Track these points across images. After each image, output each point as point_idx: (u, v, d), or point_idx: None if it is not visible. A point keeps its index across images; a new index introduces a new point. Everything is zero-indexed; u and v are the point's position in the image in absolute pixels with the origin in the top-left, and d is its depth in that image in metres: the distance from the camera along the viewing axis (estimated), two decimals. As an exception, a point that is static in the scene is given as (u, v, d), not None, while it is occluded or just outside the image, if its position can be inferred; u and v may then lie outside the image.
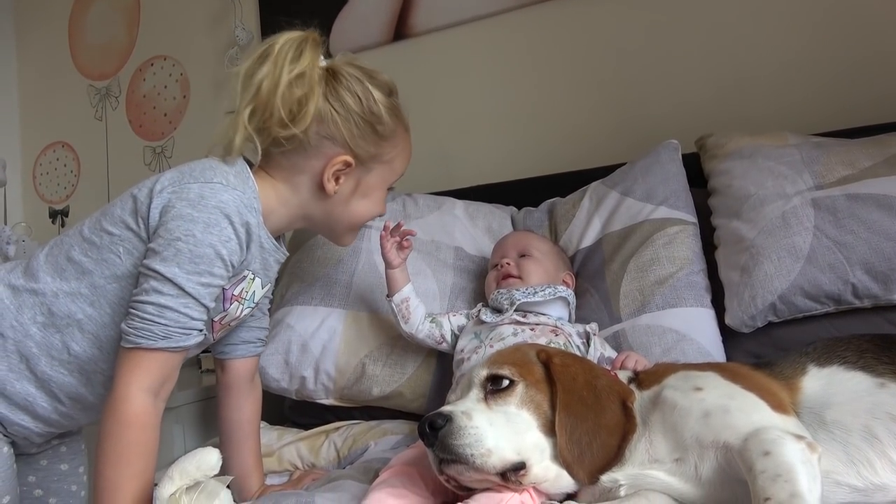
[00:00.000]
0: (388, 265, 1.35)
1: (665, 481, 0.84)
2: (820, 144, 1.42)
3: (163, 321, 0.93)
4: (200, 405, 1.83)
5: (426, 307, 1.40)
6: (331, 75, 1.07)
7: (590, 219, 1.55)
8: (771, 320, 1.31)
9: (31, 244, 2.72)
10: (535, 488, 0.88)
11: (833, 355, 0.91)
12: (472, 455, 0.83)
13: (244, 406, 1.24)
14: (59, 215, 2.90)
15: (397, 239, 1.35)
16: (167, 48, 2.69)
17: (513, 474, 0.85)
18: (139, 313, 0.93)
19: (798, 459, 0.72)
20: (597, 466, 0.86)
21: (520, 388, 0.91)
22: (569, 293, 1.38)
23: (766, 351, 1.31)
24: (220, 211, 0.97)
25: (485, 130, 2.06)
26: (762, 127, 1.58)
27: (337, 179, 1.10)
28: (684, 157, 1.57)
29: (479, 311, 1.35)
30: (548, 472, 0.87)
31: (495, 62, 2.05)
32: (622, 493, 0.85)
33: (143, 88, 2.75)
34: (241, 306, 1.11)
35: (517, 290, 1.33)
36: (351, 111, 1.07)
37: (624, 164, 1.61)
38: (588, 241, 1.53)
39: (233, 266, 1.00)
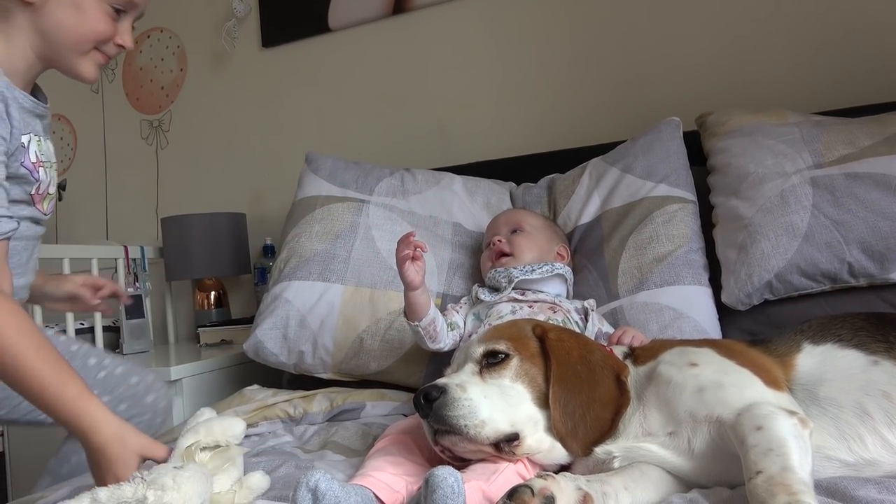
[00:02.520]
0: (408, 286, 1.19)
1: (658, 454, 0.85)
2: (820, 123, 1.41)
3: None
4: (199, 379, 1.84)
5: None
6: None
7: (589, 195, 1.55)
8: (767, 298, 1.31)
9: (28, 217, 2.71)
10: (529, 459, 0.89)
11: (828, 333, 0.92)
12: (465, 426, 0.85)
13: None
14: (56, 189, 2.88)
15: (409, 252, 1.19)
16: (164, 20, 2.65)
17: (506, 445, 0.87)
18: None
19: (790, 434, 0.73)
20: (590, 439, 0.87)
21: (514, 362, 0.92)
22: (566, 270, 1.38)
23: (761, 328, 1.32)
24: None
25: (484, 106, 2.05)
26: (764, 104, 1.58)
27: None
28: (685, 134, 1.57)
29: (477, 291, 1.36)
30: (541, 443, 0.88)
31: (495, 37, 2.03)
32: (616, 465, 0.86)
33: (139, 61, 2.72)
34: (48, 170, 1.10)
35: (515, 268, 1.33)
36: None
37: (624, 141, 1.61)
38: (587, 217, 1.53)
39: (3, 139, 0.98)
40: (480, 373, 0.92)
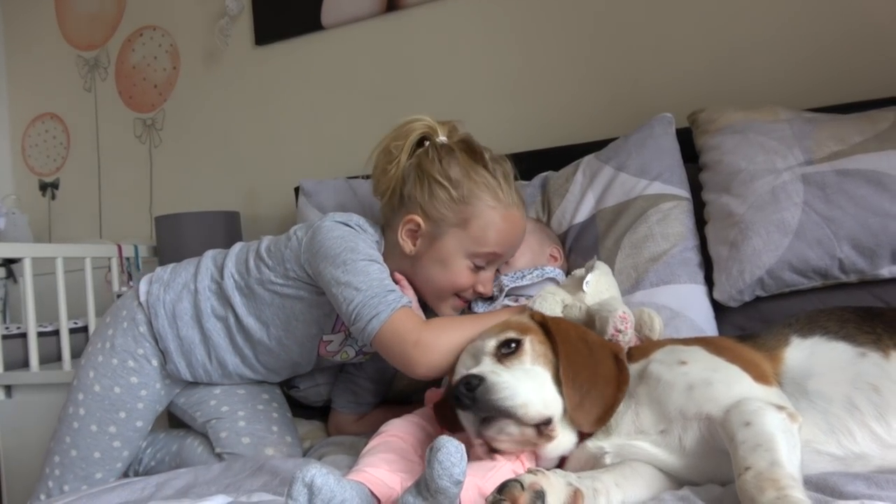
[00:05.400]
0: None
1: (650, 452, 0.86)
2: (811, 119, 1.42)
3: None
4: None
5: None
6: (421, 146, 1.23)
7: (583, 194, 1.55)
8: (758, 294, 1.32)
9: (21, 217, 2.70)
10: (525, 455, 0.89)
11: (815, 326, 0.92)
12: (513, 406, 0.83)
13: None
14: (49, 188, 2.87)
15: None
16: (156, 18, 2.64)
17: (545, 428, 0.86)
18: None
19: (778, 429, 0.74)
20: (596, 413, 0.87)
21: (528, 346, 0.92)
22: (557, 272, 1.37)
23: (753, 325, 1.32)
24: None
25: (476, 104, 2.04)
26: (756, 101, 1.58)
27: (413, 241, 1.18)
28: (678, 132, 1.57)
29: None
30: (563, 429, 0.88)
31: (488, 34, 2.03)
32: (607, 461, 0.87)
33: (132, 59, 2.71)
34: (344, 345, 1.25)
35: (505, 275, 1.33)
36: (426, 173, 1.17)
37: (616, 138, 1.61)
38: (581, 216, 1.53)
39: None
40: (500, 363, 0.91)
